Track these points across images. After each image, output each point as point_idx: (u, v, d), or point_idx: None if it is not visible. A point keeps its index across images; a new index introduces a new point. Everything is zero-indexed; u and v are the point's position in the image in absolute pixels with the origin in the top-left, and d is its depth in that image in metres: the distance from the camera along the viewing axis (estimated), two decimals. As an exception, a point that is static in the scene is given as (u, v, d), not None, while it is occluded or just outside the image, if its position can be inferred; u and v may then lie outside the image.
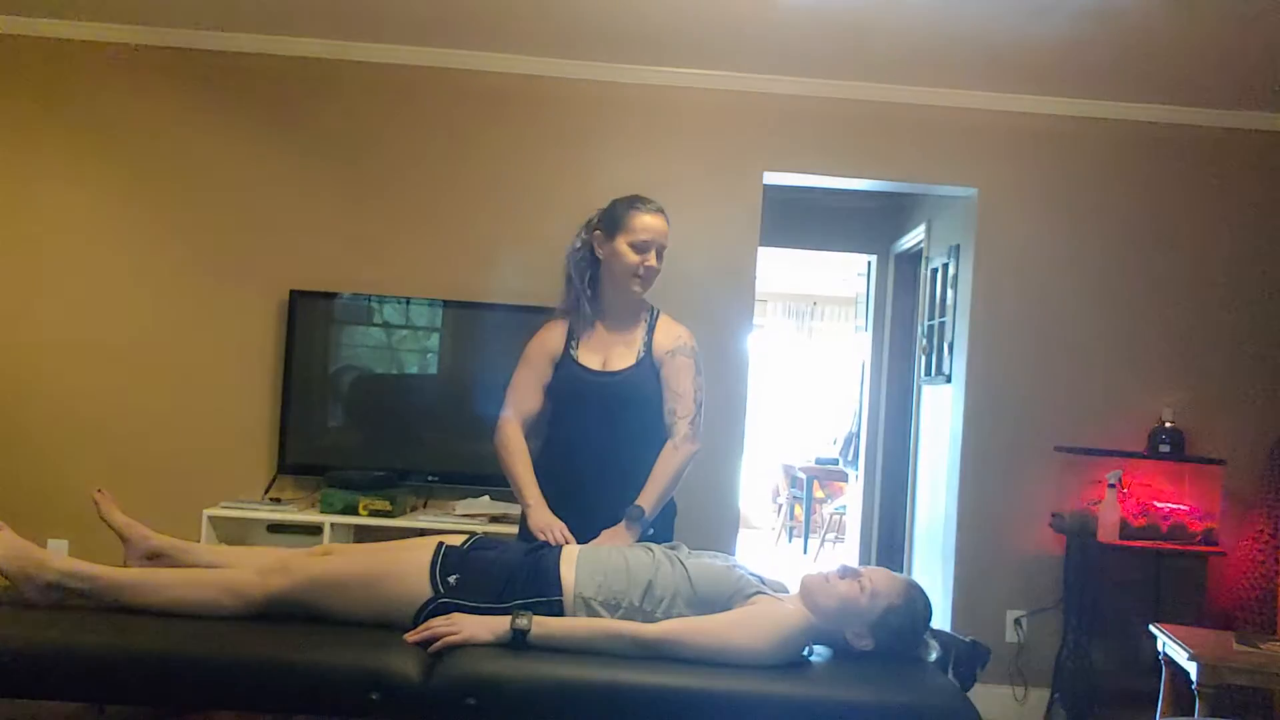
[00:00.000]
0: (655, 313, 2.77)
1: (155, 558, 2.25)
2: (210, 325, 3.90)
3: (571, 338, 2.72)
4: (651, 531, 2.59)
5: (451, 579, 2.10)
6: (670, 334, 2.72)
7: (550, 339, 2.74)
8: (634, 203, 2.68)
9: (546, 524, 2.52)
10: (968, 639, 2.21)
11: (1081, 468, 3.90)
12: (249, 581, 2.10)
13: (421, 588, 2.09)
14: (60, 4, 3.75)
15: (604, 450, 2.64)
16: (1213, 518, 3.77)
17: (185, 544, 2.29)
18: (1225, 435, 3.92)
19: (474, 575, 2.12)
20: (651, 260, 2.65)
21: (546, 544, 2.39)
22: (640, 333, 2.71)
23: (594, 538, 2.50)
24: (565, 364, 2.70)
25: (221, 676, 1.92)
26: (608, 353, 2.69)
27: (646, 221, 2.65)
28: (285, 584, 2.09)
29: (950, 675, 2.12)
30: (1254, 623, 3.63)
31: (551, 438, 2.74)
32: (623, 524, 2.54)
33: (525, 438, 2.70)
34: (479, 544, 2.25)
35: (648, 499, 2.57)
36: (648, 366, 2.67)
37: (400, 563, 2.14)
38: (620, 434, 2.65)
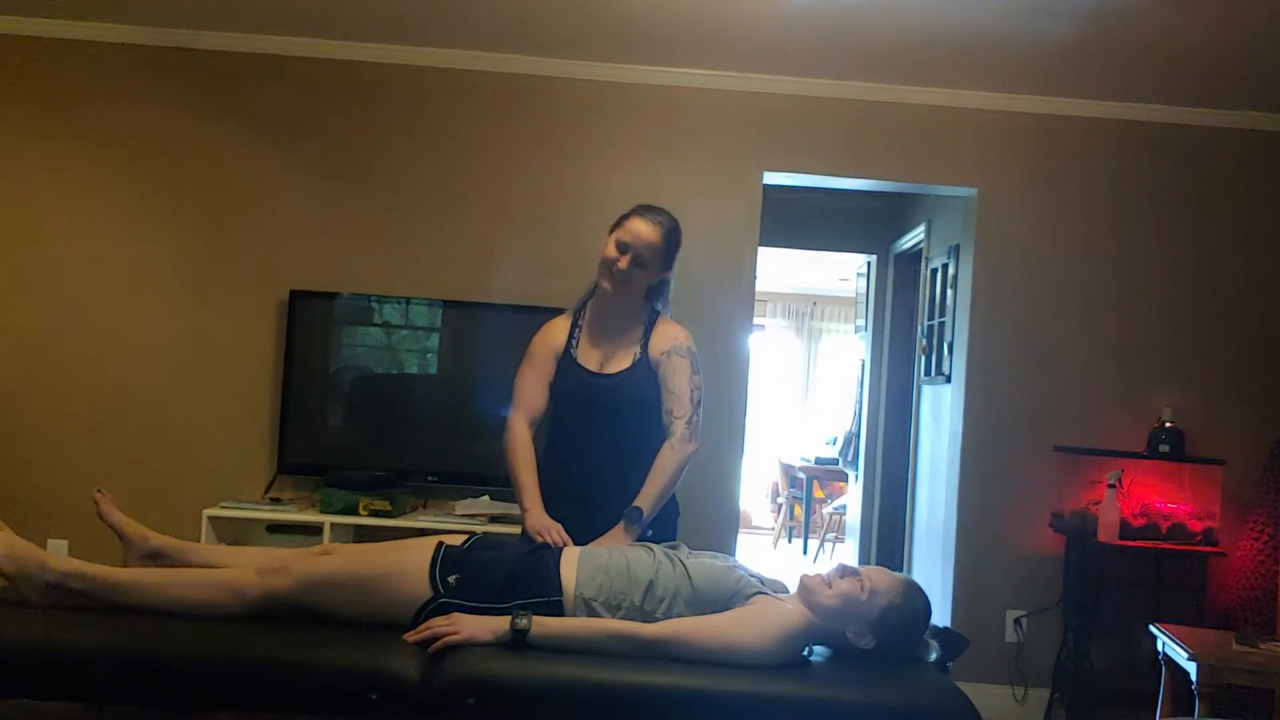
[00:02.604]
0: (655, 315, 2.76)
1: (155, 557, 2.24)
2: (210, 325, 3.90)
3: (574, 336, 2.72)
4: (650, 533, 2.59)
5: (451, 579, 2.10)
6: (667, 335, 2.71)
7: (553, 335, 2.75)
8: (640, 208, 2.69)
9: (544, 527, 2.51)
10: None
11: (1081, 468, 3.90)
12: (249, 581, 2.09)
13: (421, 588, 2.09)
14: (60, 4, 3.75)
15: (602, 452, 2.64)
16: (1213, 518, 3.77)
17: (185, 544, 2.29)
18: (1225, 435, 3.92)
19: (474, 575, 2.12)
20: (624, 263, 2.61)
21: (547, 544, 2.39)
22: (638, 335, 2.70)
23: (593, 539, 2.49)
24: (565, 362, 2.70)
25: (221, 676, 1.92)
26: (606, 354, 2.69)
27: (634, 225, 2.63)
28: (285, 584, 2.09)
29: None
30: (1254, 623, 3.62)
31: (552, 438, 2.74)
32: (621, 525, 2.53)
33: (534, 436, 2.69)
34: (479, 544, 2.25)
35: (645, 499, 2.56)
36: (644, 368, 2.66)
37: (400, 563, 2.14)
38: (618, 436, 2.64)
